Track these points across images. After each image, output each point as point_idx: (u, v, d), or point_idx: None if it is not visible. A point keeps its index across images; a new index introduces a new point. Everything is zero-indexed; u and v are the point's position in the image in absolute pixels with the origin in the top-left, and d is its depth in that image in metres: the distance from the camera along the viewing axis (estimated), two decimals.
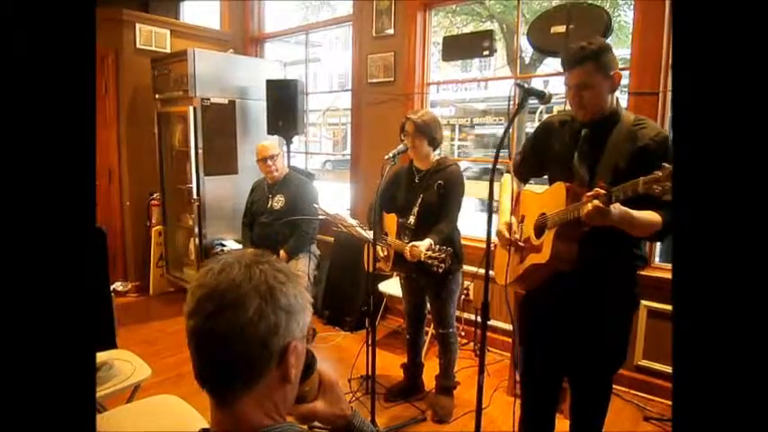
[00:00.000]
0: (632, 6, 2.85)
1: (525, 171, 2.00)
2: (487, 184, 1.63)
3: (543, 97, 1.64)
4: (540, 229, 1.77)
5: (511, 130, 1.99)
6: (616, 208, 1.46)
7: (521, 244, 1.85)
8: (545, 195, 1.77)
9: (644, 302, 2.83)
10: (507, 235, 1.87)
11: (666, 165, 1.30)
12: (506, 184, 2.03)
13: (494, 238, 1.66)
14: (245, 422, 0.77)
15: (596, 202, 1.44)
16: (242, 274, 0.76)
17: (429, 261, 2.23)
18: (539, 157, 1.88)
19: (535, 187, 1.97)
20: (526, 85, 1.63)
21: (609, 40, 2.96)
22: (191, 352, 0.78)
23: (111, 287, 3.05)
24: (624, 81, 3.11)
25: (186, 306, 0.77)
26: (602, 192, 1.45)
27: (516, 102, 1.64)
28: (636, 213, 1.51)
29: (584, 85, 1.63)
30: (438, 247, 2.27)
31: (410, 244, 2.36)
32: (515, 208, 1.95)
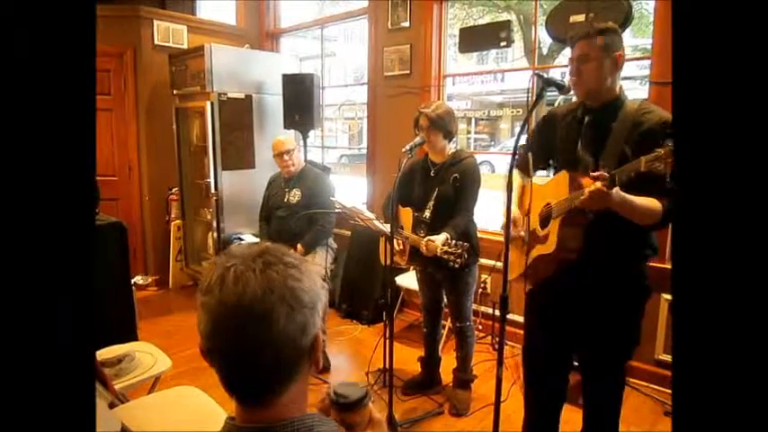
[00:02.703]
0: None
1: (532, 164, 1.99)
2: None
3: (563, 88, 1.62)
4: (545, 220, 1.76)
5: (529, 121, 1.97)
6: (616, 192, 1.45)
7: (522, 234, 1.84)
8: (549, 185, 1.76)
9: (664, 296, 2.78)
10: (515, 230, 1.87)
11: (668, 143, 1.30)
12: (513, 179, 2.04)
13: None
14: (278, 417, 0.78)
15: (598, 184, 1.43)
16: (262, 284, 0.72)
17: (445, 256, 2.22)
18: (545, 149, 1.87)
19: (539, 179, 1.97)
20: (545, 75, 1.61)
21: (629, 30, 2.91)
22: (216, 368, 0.76)
23: (132, 281, 3.10)
24: (645, 71, 3.07)
25: (203, 325, 0.74)
26: (606, 174, 1.44)
27: (535, 92, 1.63)
28: (636, 199, 1.50)
29: (585, 58, 1.63)
30: (454, 241, 2.26)
31: (426, 238, 2.35)
32: (522, 201, 1.96)
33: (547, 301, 1.86)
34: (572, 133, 1.76)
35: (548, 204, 1.73)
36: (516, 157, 2.09)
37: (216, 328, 0.73)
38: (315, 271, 0.81)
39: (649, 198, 1.52)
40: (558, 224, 1.66)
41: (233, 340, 0.73)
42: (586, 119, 1.72)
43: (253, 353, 0.73)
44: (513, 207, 1.93)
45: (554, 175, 1.79)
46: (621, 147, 1.61)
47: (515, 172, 2.03)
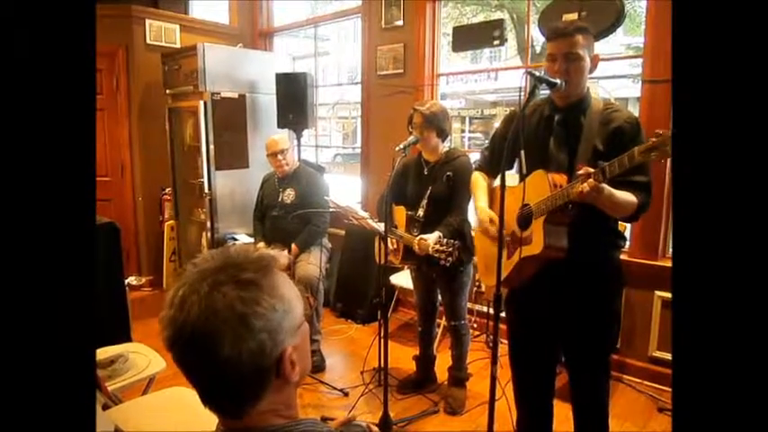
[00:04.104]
0: None
1: (496, 165, 1.96)
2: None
3: (555, 86, 1.62)
4: (524, 221, 1.75)
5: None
6: (605, 186, 1.47)
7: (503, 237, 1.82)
8: (525, 186, 1.73)
9: (657, 293, 2.80)
10: (492, 230, 1.84)
11: (659, 131, 1.31)
12: (478, 181, 2.03)
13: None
14: (257, 426, 0.77)
15: (591, 180, 1.44)
16: (204, 308, 0.69)
17: (436, 255, 2.22)
18: (510, 149, 1.85)
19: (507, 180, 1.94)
20: (537, 74, 1.60)
21: (621, 29, 2.92)
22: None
23: (126, 281, 3.08)
24: (637, 70, 3.08)
25: (162, 337, 0.73)
26: (594, 170, 1.45)
27: (527, 91, 1.62)
28: (617, 192, 1.53)
29: (573, 56, 1.62)
30: (446, 240, 2.26)
31: (418, 237, 2.35)
32: (491, 204, 1.95)
33: (529, 300, 1.86)
34: (542, 131, 1.76)
35: (526, 205, 1.72)
36: (480, 158, 2.10)
37: (170, 345, 0.73)
38: (280, 272, 0.77)
39: (625, 192, 1.55)
40: (541, 224, 1.65)
41: (184, 360, 0.72)
42: (556, 117, 1.73)
43: (205, 374, 0.72)
44: (485, 207, 1.93)
45: (518, 173, 1.78)
46: (594, 143, 1.64)
47: (478, 174, 2.04)
